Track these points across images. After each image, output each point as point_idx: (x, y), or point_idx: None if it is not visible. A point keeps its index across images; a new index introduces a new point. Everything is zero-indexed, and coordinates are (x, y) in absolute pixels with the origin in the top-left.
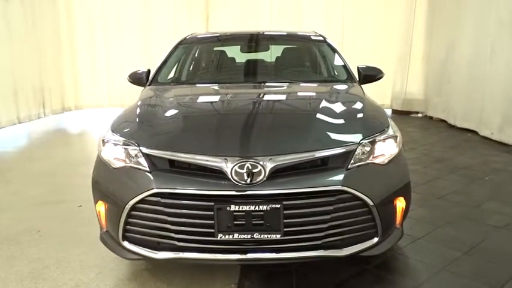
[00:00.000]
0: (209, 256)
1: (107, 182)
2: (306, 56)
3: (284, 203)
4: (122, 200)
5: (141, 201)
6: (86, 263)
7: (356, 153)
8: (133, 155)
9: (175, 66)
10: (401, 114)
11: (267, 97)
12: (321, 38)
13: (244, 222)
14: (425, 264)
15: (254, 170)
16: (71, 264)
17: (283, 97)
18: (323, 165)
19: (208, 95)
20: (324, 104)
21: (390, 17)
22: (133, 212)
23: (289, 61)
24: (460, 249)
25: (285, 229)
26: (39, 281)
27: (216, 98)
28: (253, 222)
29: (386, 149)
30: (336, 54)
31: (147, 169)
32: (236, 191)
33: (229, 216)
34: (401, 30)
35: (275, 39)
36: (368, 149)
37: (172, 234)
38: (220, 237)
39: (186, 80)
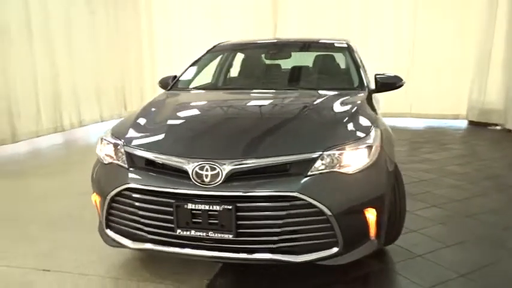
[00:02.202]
0: (169, 249)
1: (98, 176)
2: (321, 64)
3: (237, 205)
4: (105, 192)
5: (118, 194)
6: (92, 247)
7: (319, 161)
8: (120, 153)
9: (198, 73)
10: (477, 126)
11: (255, 103)
12: (344, 45)
13: (201, 221)
14: (411, 283)
15: (212, 172)
16: (80, 247)
17: (270, 104)
18: (283, 171)
19: (205, 101)
20: (305, 111)
21: (467, 20)
22: (113, 204)
23: (303, 68)
24: (458, 271)
25: (238, 230)
26: (50, 258)
27: (209, 104)
28: (209, 221)
29: (356, 159)
30: (353, 61)
31: (126, 166)
32: (193, 190)
33: (187, 214)
34: (480, 33)
35: (297, 47)
36: (334, 157)
37: (142, 227)
38: (179, 233)
39: (203, 86)
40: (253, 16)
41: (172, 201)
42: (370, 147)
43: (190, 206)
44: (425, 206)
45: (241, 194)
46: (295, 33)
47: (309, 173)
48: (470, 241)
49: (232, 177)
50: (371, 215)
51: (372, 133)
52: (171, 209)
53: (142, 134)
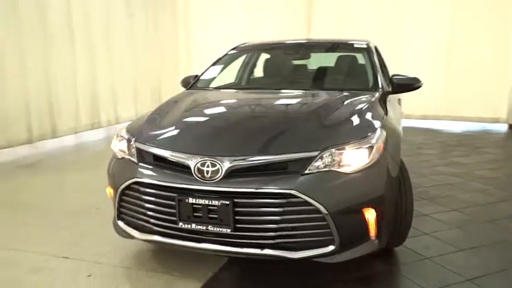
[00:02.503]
0: (173, 241)
1: (112, 170)
2: (338, 64)
3: (235, 200)
4: (117, 184)
5: (128, 187)
6: (110, 238)
7: (317, 159)
8: (132, 149)
9: (219, 72)
10: None
11: (263, 103)
12: (363, 46)
13: (201, 215)
14: (413, 284)
15: (213, 168)
16: (100, 237)
17: (277, 103)
18: (282, 169)
19: (217, 100)
20: (310, 111)
21: (508, 21)
22: (123, 197)
23: (319, 69)
24: (465, 276)
25: (236, 225)
26: (71, 247)
27: (220, 103)
28: (209, 215)
29: (355, 159)
30: (370, 62)
31: (136, 161)
32: (194, 185)
33: (189, 208)
34: None
35: (316, 47)
36: (333, 156)
37: (149, 219)
38: (181, 226)
39: (223, 85)
40: (287, 17)
41: (175, 195)
42: (371, 147)
43: (191, 200)
44: (445, 210)
45: (238, 190)
46: (329, 34)
47: (307, 172)
48: (485, 246)
49: (232, 174)
50: (370, 215)
51: (375, 134)
52: (173, 203)
53: (152, 131)
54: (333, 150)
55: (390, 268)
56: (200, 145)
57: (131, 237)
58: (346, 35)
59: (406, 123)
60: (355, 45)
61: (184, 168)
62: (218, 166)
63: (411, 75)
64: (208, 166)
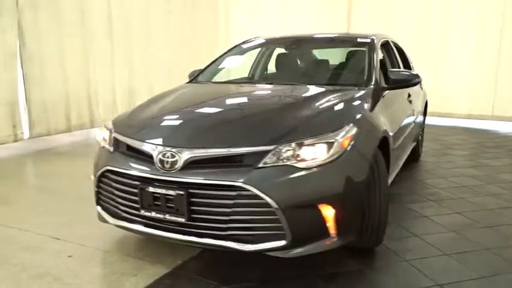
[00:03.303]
0: (136, 227)
1: (95, 158)
2: (336, 59)
3: (189, 191)
4: (95, 171)
5: (102, 174)
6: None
7: (272, 154)
8: (111, 138)
9: (223, 67)
10: None
11: (243, 96)
12: (367, 41)
13: (160, 204)
14: (378, 286)
15: (172, 159)
16: (93, 222)
17: (256, 97)
18: (238, 162)
19: (202, 94)
20: (280, 105)
21: None
22: (100, 183)
23: (316, 64)
24: (437, 281)
25: (190, 215)
26: (64, 229)
27: (201, 96)
28: (167, 204)
29: (313, 154)
30: (369, 57)
31: (111, 150)
32: (155, 175)
33: (150, 196)
34: None
35: (318, 42)
36: (290, 151)
37: (118, 205)
38: (143, 213)
39: (222, 80)
40: (327, 10)
41: (139, 183)
42: (331, 143)
43: (151, 189)
44: (448, 212)
45: (192, 181)
46: (368, 27)
47: (261, 165)
48: (474, 252)
49: (190, 165)
50: (328, 211)
51: (340, 130)
52: (136, 191)
53: (130, 122)
54: (291, 144)
55: (361, 268)
56: (164, 136)
57: (106, 221)
58: (386, 29)
59: (446, 122)
60: (358, 40)
61: (149, 158)
62: (177, 157)
63: (411, 71)
64: (168, 157)
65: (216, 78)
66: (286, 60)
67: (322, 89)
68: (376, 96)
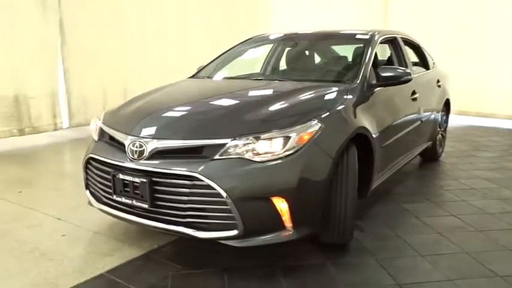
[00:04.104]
0: (111, 211)
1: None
2: (329, 55)
3: (152, 179)
4: (83, 159)
5: (87, 161)
6: None
7: (228, 146)
8: (98, 129)
9: (227, 62)
10: None
11: (223, 91)
12: (365, 37)
13: (129, 190)
14: (335, 281)
15: (140, 149)
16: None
17: (229, 92)
18: (197, 153)
19: (191, 88)
20: (249, 99)
21: None
22: (86, 170)
23: (311, 60)
24: (400, 280)
25: (153, 201)
26: (69, 211)
27: (187, 90)
28: (135, 191)
29: (268, 148)
30: (362, 53)
31: (96, 139)
32: (125, 163)
33: (120, 183)
34: None
35: (318, 39)
36: (245, 144)
37: (99, 190)
38: (115, 198)
39: (218, 74)
40: (364, 7)
41: (112, 170)
42: (287, 138)
43: (121, 176)
44: (442, 214)
45: (154, 169)
46: (407, 24)
47: (217, 157)
48: (451, 255)
49: (156, 155)
50: (282, 204)
51: (302, 126)
52: (110, 177)
53: (116, 114)
54: (247, 138)
55: (324, 262)
56: (136, 127)
57: (92, 205)
58: (424, 26)
59: (489, 123)
60: (357, 37)
61: (123, 147)
62: (144, 147)
63: (401, 68)
64: (137, 146)
65: (215, 74)
66: (283, 57)
67: (302, 85)
68: (360, 93)
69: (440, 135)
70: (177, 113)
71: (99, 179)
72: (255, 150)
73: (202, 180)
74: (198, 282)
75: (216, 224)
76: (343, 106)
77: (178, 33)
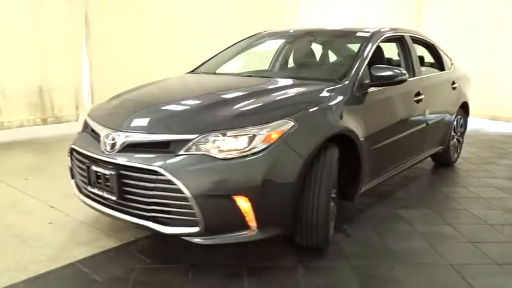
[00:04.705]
0: (88, 201)
1: None
2: (325, 53)
3: (120, 172)
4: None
5: (70, 152)
6: None
7: (195, 142)
8: (83, 120)
9: (229, 59)
10: None
11: (199, 87)
12: (365, 35)
13: (101, 182)
14: (303, 283)
15: (112, 141)
16: None
17: (210, 89)
18: (164, 148)
19: (179, 83)
20: (224, 96)
21: None
22: (71, 160)
23: (306, 58)
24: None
25: (121, 194)
26: (65, 201)
27: (173, 85)
28: (106, 183)
29: (233, 145)
30: (359, 51)
31: (80, 130)
32: (97, 155)
33: (94, 175)
34: None
35: (320, 36)
36: (210, 141)
37: (79, 181)
38: (90, 189)
39: (212, 71)
40: (396, 5)
41: (87, 162)
42: (253, 136)
43: (95, 168)
44: (437, 223)
45: (121, 162)
46: (442, 24)
47: (181, 153)
48: (429, 265)
49: (127, 148)
50: (244, 203)
51: (270, 124)
52: (85, 168)
53: (102, 107)
54: (213, 134)
55: (295, 265)
56: (112, 120)
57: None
58: (461, 28)
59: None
60: (357, 35)
61: (99, 139)
62: (116, 140)
63: (397, 68)
64: (110, 139)
65: (211, 70)
66: (281, 54)
67: (287, 83)
68: (349, 92)
69: (455, 140)
70: (152, 108)
71: (79, 169)
72: (220, 147)
73: (164, 175)
74: (162, 277)
75: (179, 219)
76: (323, 105)
77: (205, 29)
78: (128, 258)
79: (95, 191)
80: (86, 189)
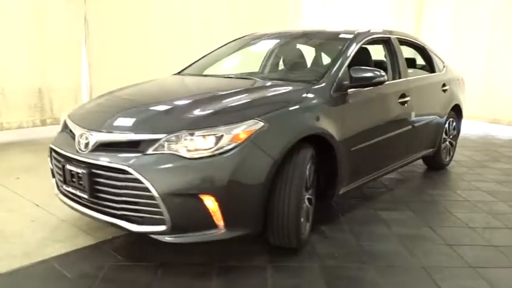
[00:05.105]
0: (63, 199)
1: None
2: (309, 56)
3: (92, 170)
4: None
5: (50, 151)
6: None
7: (161, 142)
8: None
9: (216, 61)
10: None
11: (175, 88)
12: (347, 37)
13: (75, 180)
14: (270, 282)
15: (86, 141)
16: None
17: (186, 90)
18: (134, 147)
19: (162, 84)
20: (197, 97)
21: None
22: (51, 159)
23: (288, 60)
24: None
25: (92, 192)
26: (50, 199)
27: (153, 86)
28: (79, 182)
29: (200, 145)
30: (339, 52)
31: (60, 130)
32: (71, 154)
33: (68, 173)
34: None
35: (303, 38)
36: (178, 141)
37: (57, 179)
38: (65, 188)
39: (198, 72)
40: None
41: (63, 161)
42: (220, 136)
43: (69, 167)
44: (418, 226)
45: (92, 161)
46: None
47: (150, 152)
48: (401, 268)
49: (100, 147)
50: (211, 203)
51: (238, 124)
52: (61, 167)
53: (80, 108)
54: (180, 134)
55: (265, 265)
56: (87, 120)
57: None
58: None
59: None
60: (340, 36)
61: (74, 139)
62: (89, 139)
63: (375, 69)
64: (84, 138)
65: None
66: (266, 56)
67: (264, 84)
68: (325, 93)
69: (447, 143)
70: (126, 109)
71: (56, 168)
72: (188, 146)
73: (132, 174)
74: (131, 275)
75: (148, 218)
76: (296, 106)
77: (204, 29)
78: (100, 256)
79: (70, 189)
80: (62, 187)
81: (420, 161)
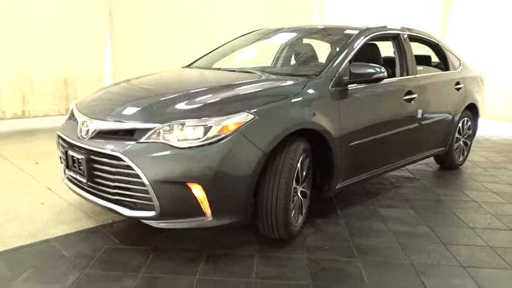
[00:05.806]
0: (68, 184)
1: None
2: (308, 51)
3: (90, 156)
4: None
5: (58, 138)
6: None
7: (154, 131)
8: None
9: (225, 55)
10: None
11: (177, 80)
12: (351, 32)
13: (76, 165)
14: (255, 271)
15: (86, 128)
16: None
17: (186, 81)
18: (129, 136)
19: (159, 77)
20: (194, 89)
21: None
22: (57, 145)
23: (295, 55)
24: (316, 281)
25: (90, 177)
26: (63, 184)
27: (156, 79)
28: (79, 167)
29: (190, 135)
30: (341, 48)
31: (67, 118)
32: (74, 141)
33: (70, 158)
34: None
35: (311, 33)
36: (170, 130)
37: (63, 165)
38: (67, 172)
39: (206, 65)
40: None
41: (66, 146)
42: (208, 127)
43: (71, 152)
44: (417, 224)
45: (90, 148)
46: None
47: (142, 140)
48: (390, 264)
49: (99, 134)
50: (199, 191)
51: (228, 116)
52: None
53: (87, 98)
54: (171, 124)
55: (253, 254)
56: (89, 108)
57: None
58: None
59: None
60: (346, 32)
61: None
62: (89, 127)
63: (376, 65)
64: (85, 126)
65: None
66: (273, 50)
67: (262, 78)
68: (324, 88)
69: (461, 143)
70: (126, 99)
71: (61, 154)
72: (178, 136)
73: (124, 161)
74: (123, 257)
75: (140, 203)
76: (289, 100)
77: (228, 22)
78: (99, 238)
79: (71, 174)
80: (66, 172)
81: (433, 160)
